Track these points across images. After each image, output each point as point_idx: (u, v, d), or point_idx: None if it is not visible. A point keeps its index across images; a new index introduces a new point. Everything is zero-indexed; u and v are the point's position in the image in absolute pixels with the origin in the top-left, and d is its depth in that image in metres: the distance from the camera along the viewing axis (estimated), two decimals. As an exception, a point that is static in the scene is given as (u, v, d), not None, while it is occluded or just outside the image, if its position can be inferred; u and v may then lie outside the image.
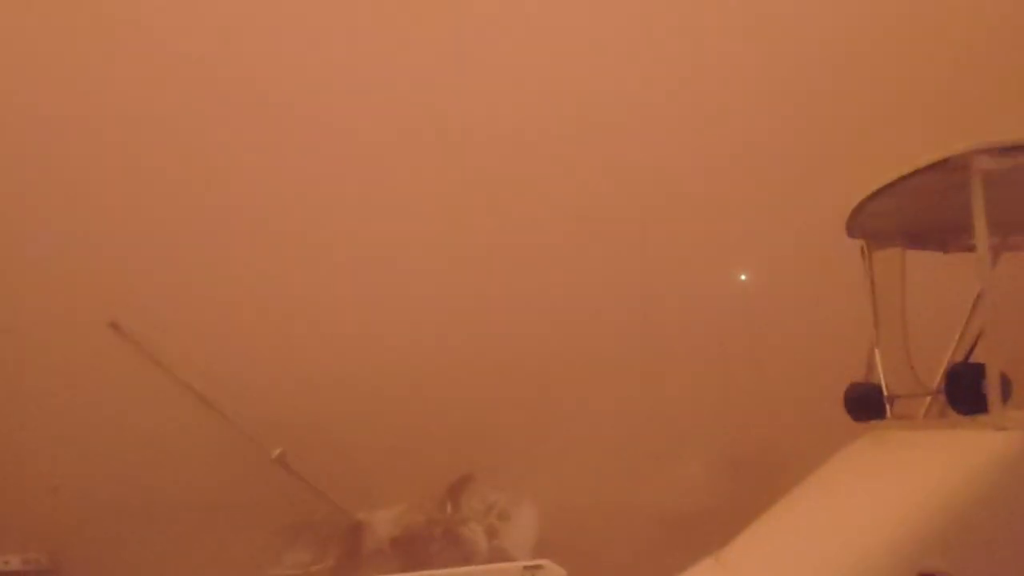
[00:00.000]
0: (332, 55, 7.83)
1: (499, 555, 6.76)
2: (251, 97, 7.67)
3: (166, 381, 7.12)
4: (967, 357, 4.33)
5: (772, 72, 7.49)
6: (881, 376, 4.52)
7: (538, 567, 5.05)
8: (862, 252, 4.67)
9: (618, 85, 7.79)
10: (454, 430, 7.44)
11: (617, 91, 7.79)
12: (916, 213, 4.49)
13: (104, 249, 7.54)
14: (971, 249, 4.80)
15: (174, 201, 7.67)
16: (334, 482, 7.26)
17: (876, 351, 4.57)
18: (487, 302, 7.76)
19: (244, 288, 7.59)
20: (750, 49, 7.56)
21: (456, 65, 7.83)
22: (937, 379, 4.52)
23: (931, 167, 4.02)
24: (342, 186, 7.76)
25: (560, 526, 6.98)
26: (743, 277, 7.70)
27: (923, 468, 3.93)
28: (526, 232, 7.77)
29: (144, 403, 7.11)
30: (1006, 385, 3.85)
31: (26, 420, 7.08)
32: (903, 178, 4.15)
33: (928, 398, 4.52)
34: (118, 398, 7.11)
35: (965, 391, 3.86)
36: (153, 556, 6.97)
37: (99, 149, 7.60)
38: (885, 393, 4.50)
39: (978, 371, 3.79)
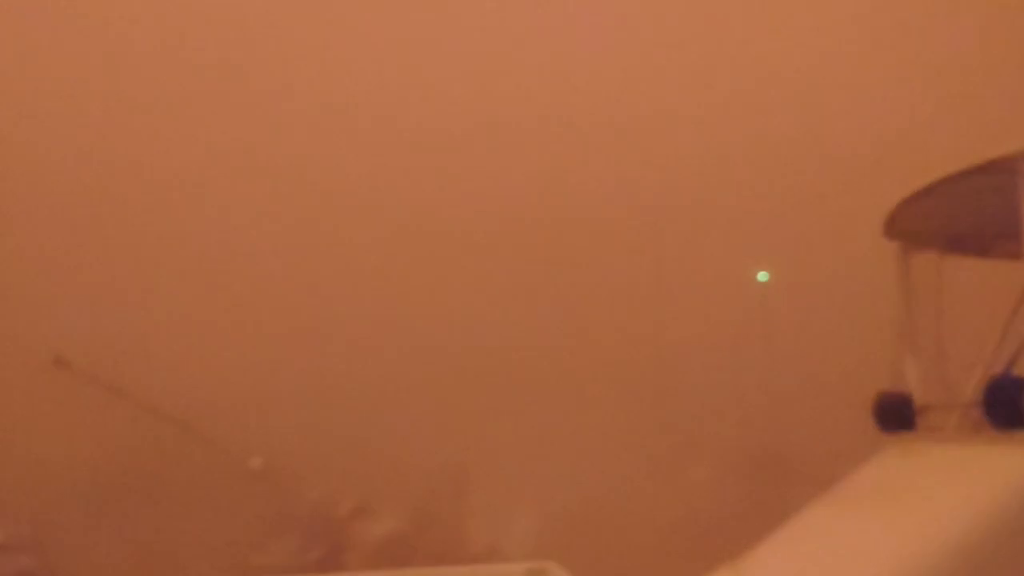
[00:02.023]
0: (305, 56, 7.65)
1: (498, 555, 6.61)
2: (193, 113, 7.49)
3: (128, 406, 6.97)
4: (1007, 369, 4.15)
5: (800, 64, 7.29)
6: (913, 385, 4.31)
7: (542, 569, 4.91)
8: (898, 254, 4.47)
9: (637, 78, 7.59)
10: (458, 433, 7.28)
11: (636, 85, 7.60)
12: (957, 216, 4.30)
13: (45, 286, 7.35)
14: (1011, 255, 4.62)
15: (116, 227, 7.48)
16: (324, 484, 7.13)
17: (908, 359, 4.36)
18: (496, 301, 7.59)
19: (223, 301, 7.42)
20: (779, 41, 7.36)
21: (458, 61, 7.64)
22: (972, 391, 4.31)
23: (977, 169, 3.85)
24: (319, 185, 7.58)
25: (566, 529, 6.81)
26: (761, 277, 7.50)
27: (956, 485, 3.74)
28: (537, 229, 7.59)
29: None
30: (1050, 400, 3.66)
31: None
32: (947, 179, 3.97)
33: (963, 411, 4.31)
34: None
35: (1004, 405, 3.69)
36: (135, 537, 6.86)
37: (39, 179, 7.40)
38: (916, 403, 4.30)
39: (1019, 385, 3.62)
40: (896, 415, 4.35)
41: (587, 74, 7.74)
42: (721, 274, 7.51)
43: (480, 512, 7.17)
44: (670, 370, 7.43)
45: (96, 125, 7.62)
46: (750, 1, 7.55)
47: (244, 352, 7.36)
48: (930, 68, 7.11)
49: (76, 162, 7.55)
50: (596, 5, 7.86)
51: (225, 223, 7.64)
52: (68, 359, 7.08)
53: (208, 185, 7.57)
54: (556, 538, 6.83)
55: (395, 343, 7.47)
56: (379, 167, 7.76)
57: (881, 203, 4.37)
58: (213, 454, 7.10)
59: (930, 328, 4.43)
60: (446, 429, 7.34)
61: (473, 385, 7.47)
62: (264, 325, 7.58)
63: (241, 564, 6.69)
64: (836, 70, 7.41)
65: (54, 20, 7.54)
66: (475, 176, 7.61)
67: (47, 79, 7.49)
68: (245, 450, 7.15)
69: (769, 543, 4.12)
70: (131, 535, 6.96)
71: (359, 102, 7.65)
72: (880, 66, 7.23)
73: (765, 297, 7.48)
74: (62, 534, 6.82)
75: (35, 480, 6.87)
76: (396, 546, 6.92)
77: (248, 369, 7.32)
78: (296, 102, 7.65)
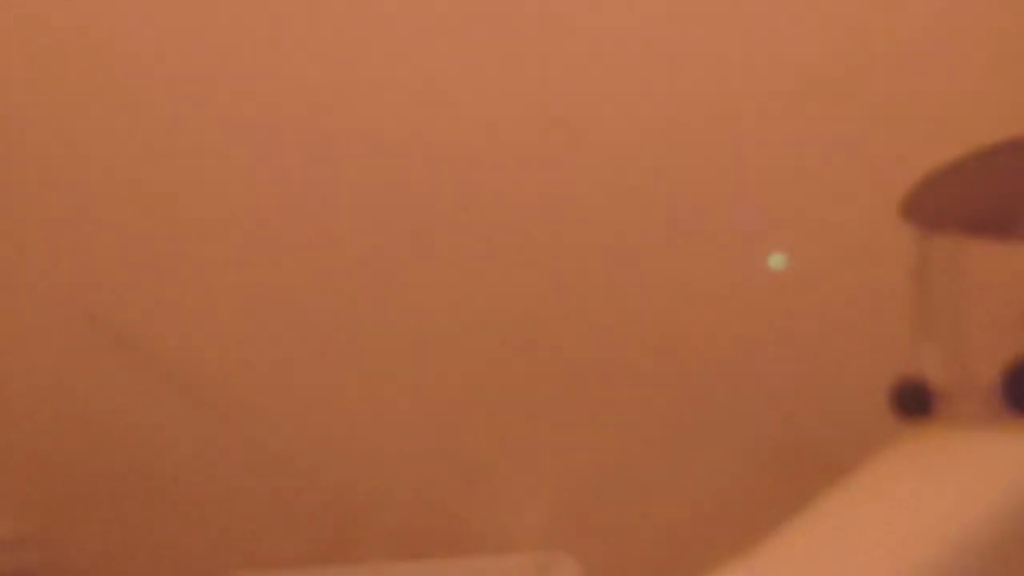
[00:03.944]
0: (325, 48, 7.64)
1: (508, 546, 6.62)
2: (238, 90, 7.53)
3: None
4: (1028, 355, 4.08)
5: (813, 45, 7.20)
6: (932, 371, 4.25)
7: (551, 561, 4.89)
8: (915, 238, 4.41)
9: (645, 63, 7.51)
10: (468, 423, 7.25)
11: (644, 70, 7.51)
12: (976, 198, 4.23)
13: (81, 237, 7.37)
14: (1033, 238, 4.56)
15: (154, 185, 7.49)
16: (336, 475, 7.15)
17: (926, 344, 4.31)
18: (505, 291, 7.53)
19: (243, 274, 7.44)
20: (793, 20, 7.27)
21: (460, 51, 7.61)
22: (992, 377, 4.25)
23: (997, 149, 3.78)
24: (338, 172, 7.58)
25: (577, 519, 6.81)
26: (777, 260, 7.41)
27: (972, 475, 3.67)
28: (548, 220, 7.51)
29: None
30: (1074, 386, 3.61)
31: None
32: (966, 160, 3.90)
33: (982, 397, 4.25)
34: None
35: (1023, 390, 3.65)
36: (144, 529, 6.88)
37: (75, 133, 7.43)
38: (935, 390, 4.24)
39: (1042, 370, 3.57)
40: (913, 402, 4.28)
41: (593, 60, 7.66)
42: (735, 260, 7.43)
43: (490, 502, 7.17)
44: (683, 359, 7.35)
45: (132, 84, 7.67)
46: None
47: (256, 336, 7.38)
48: (948, 46, 7.02)
49: (111, 121, 7.57)
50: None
51: (272, 202, 7.67)
52: (100, 321, 7.05)
53: (267, 152, 7.58)
54: (567, 528, 6.82)
55: (406, 332, 7.45)
56: (401, 164, 7.74)
57: (898, 185, 4.32)
58: (224, 442, 7.11)
59: (948, 313, 4.38)
60: (457, 419, 7.33)
61: (484, 375, 7.45)
62: (285, 311, 7.59)
63: (252, 555, 6.70)
64: (849, 49, 7.31)
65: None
66: (485, 169, 7.56)
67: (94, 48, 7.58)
68: (258, 437, 7.17)
69: (783, 534, 4.06)
70: (140, 528, 6.99)
71: (366, 97, 7.65)
72: (895, 45, 7.14)
73: (780, 283, 7.40)
74: (69, 528, 6.84)
75: (41, 473, 6.90)
76: (406, 537, 6.94)
77: (261, 355, 7.34)
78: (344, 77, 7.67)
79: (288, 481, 7.46)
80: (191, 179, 7.77)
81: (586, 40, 7.65)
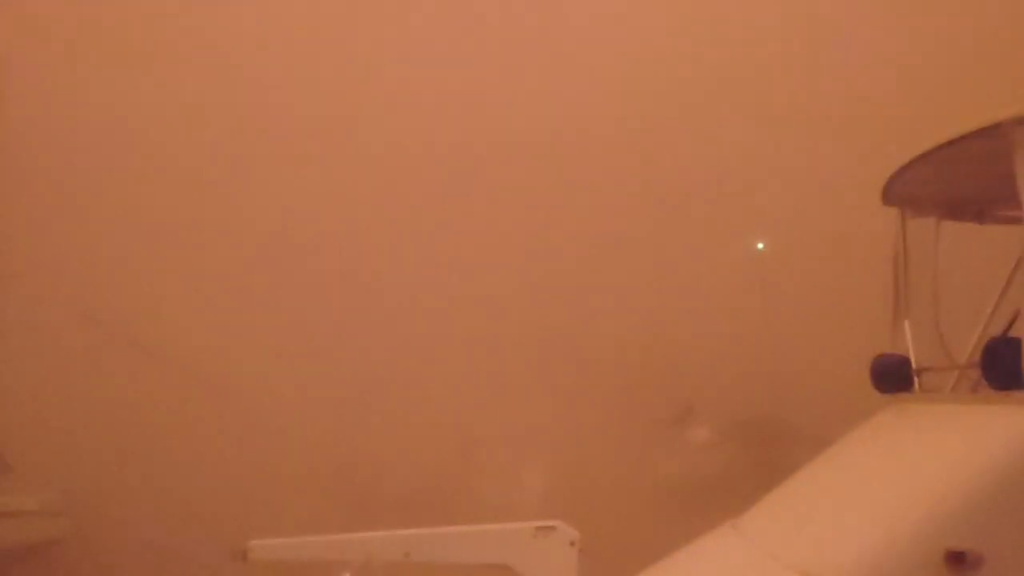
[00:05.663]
0: (332, 48, 7.68)
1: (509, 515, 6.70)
2: (236, 95, 7.59)
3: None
4: (1005, 331, 4.23)
5: (795, 29, 7.32)
6: (910, 348, 4.39)
7: (550, 528, 4.98)
8: (896, 220, 4.55)
9: (635, 49, 7.61)
10: (469, 399, 7.37)
11: (631, 55, 7.62)
12: (953, 182, 4.37)
13: (78, 240, 7.45)
14: (1007, 220, 4.70)
15: (152, 192, 7.56)
16: (343, 447, 7.26)
17: (906, 322, 4.45)
18: (502, 274, 7.66)
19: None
20: (774, 4, 7.39)
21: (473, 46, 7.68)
22: (969, 353, 4.40)
23: (971, 135, 3.89)
24: (333, 173, 7.66)
25: (572, 490, 6.92)
26: (760, 246, 7.57)
27: (953, 443, 3.83)
28: (540, 204, 7.64)
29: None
30: (1044, 361, 3.73)
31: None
32: (943, 146, 4.02)
33: (957, 372, 4.40)
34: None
35: (1001, 366, 3.76)
36: (165, 500, 6.96)
37: (76, 141, 7.47)
38: (914, 365, 4.38)
39: (1016, 346, 3.69)
40: (894, 377, 4.42)
41: (583, 50, 7.77)
42: (720, 241, 7.58)
43: (493, 474, 7.30)
44: (671, 337, 7.51)
45: (132, 85, 7.70)
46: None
47: (263, 318, 7.48)
48: (927, 34, 7.15)
49: (107, 122, 7.63)
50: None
51: (257, 190, 7.73)
52: (96, 317, 7.15)
53: (248, 150, 7.65)
54: (563, 499, 6.94)
55: (411, 319, 7.57)
56: (375, 163, 7.82)
57: (879, 170, 4.44)
58: (238, 416, 7.21)
59: (928, 293, 4.51)
60: (458, 394, 7.46)
61: (483, 354, 7.58)
62: (290, 302, 7.68)
63: (267, 525, 6.76)
64: (832, 34, 7.43)
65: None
66: (486, 171, 7.67)
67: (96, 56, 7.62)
68: (267, 413, 7.27)
69: (768, 500, 4.22)
70: (160, 500, 7.08)
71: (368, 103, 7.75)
72: (878, 32, 7.25)
73: (764, 263, 7.54)
74: (94, 500, 6.93)
75: (66, 446, 6.97)
76: (414, 505, 7.03)
77: (268, 336, 7.44)
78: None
79: (301, 456, 7.56)
80: (190, 180, 7.83)
81: (583, 44, 7.74)
